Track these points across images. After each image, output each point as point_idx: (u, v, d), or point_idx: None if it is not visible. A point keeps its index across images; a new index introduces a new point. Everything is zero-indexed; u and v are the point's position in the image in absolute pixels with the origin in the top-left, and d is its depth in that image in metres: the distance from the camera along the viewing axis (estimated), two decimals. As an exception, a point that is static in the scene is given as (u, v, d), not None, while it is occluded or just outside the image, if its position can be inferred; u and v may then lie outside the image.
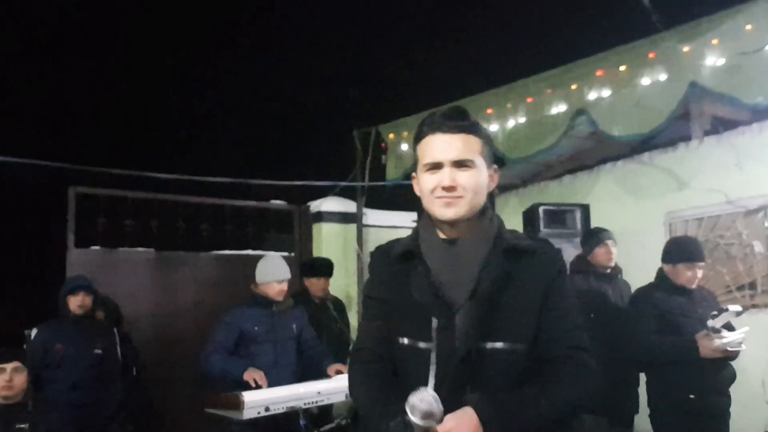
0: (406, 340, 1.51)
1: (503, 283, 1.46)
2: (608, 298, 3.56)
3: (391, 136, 5.86)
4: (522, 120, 4.82)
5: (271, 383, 3.26)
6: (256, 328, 3.57)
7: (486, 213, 1.56)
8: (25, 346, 3.92)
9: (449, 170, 1.48)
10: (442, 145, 1.49)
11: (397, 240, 1.62)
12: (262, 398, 2.96)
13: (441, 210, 1.49)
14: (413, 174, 1.61)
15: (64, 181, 4.52)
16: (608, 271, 3.65)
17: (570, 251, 4.48)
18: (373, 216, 6.27)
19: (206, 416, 3.53)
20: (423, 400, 1.32)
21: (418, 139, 1.56)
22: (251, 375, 3.23)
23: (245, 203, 5.56)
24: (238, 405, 2.82)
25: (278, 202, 5.85)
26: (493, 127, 4.98)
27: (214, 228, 5.37)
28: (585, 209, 4.83)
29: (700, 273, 3.16)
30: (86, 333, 3.87)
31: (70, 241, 4.63)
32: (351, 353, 1.66)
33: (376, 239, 6.39)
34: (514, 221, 5.09)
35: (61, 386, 3.68)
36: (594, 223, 4.81)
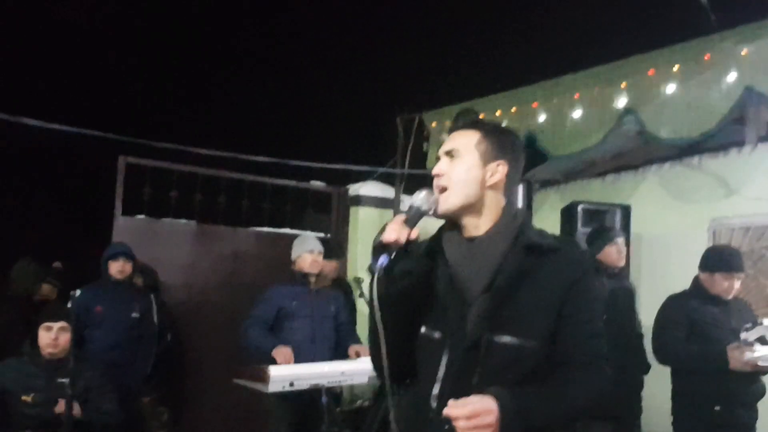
0: (423, 329, 1.55)
1: (520, 280, 1.47)
2: (618, 299, 3.50)
3: (434, 124, 5.84)
4: (568, 115, 4.72)
5: (309, 359, 3.40)
6: (294, 303, 3.71)
7: (509, 210, 1.57)
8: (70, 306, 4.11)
9: (442, 160, 1.57)
10: (449, 140, 1.59)
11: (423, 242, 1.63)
12: (287, 373, 3.06)
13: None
14: None
15: (114, 150, 4.69)
16: (617, 271, 3.58)
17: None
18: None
19: (235, 386, 3.68)
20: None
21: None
22: (279, 352, 3.35)
23: (285, 182, 5.65)
24: (265, 378, 2.93)
25: (318, 183, 5.93)
26: (538, 121, 4.91)
27: (254, 204, 5.48)
28: (626, 210, 4.74)
29: (737, 284, 3.08)
30: (125, 297, 4.07)
31: (118, 209, 4.81)
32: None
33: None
34: (553, 218, 5.03)
35: (100, 346, 3.88)
36: (635, 225, 4.71)
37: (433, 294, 1.53)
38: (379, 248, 1.45)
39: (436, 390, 1.48)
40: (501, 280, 1.46)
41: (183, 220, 5.18)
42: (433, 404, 1.47)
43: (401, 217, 1.49)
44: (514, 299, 1.46)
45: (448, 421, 1.34)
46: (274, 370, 3.00)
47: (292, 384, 3.01)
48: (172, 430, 4.53)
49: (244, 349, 3.55)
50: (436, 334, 1.52)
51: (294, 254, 3.84)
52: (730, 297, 3.06)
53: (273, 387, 2.91)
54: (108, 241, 4.68)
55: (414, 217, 1.48)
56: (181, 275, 5.03)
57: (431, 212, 1.52)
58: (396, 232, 1.45)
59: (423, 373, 1.51)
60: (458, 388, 1.41)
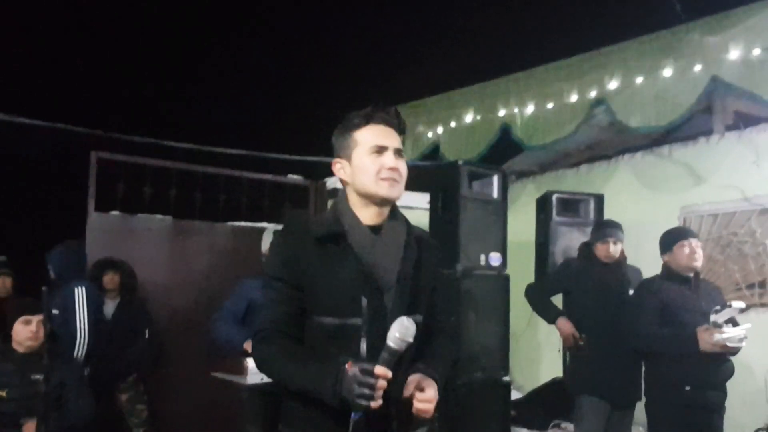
0: (330, 319, 1.62)
1: (417, 267, 1.71)
2: (609, 287, 3.57)
3: (410, 116, 5.88)
4: (541, 107, 4.80)
5: None
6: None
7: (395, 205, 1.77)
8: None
9: (393, 155, 1.67)
10: (387, 133, 1.69)
11: (305, 222, 1.70)
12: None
13: (388, 190, 1.66)
14: (336, 160, 1.75)
15: (86, 145, 4.62)
16: (610, 262, 3.66)
17: (582, 240, 4.50)
18: (388, 196, 6.32)
19: (214, 381, 3.66)
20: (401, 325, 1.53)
21: (357, 126, 1.71)
22: (249, 345, 3.33)
23: (262, 176, 5.62)
24: (242, 370, 2.93)
25: (295, 176, 5.91)
26: (512, 113, 4.97)
27: (231, 199, 5.45)
28: (599, 199, 4.82)
29: (699, 250, 3.16)
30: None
31: (91, 205, 4.73)
32: (254, 336, 1.69)
33: (390, 219, 6.44)
34: (529, 208, 5.10)
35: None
36: (608, 213, 4.79)
37: (333, 282, 1.62)
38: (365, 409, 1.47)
39: None
40: (407, 268, 1.68)
41: (158, 216, 5.12)
42: None
43: (388, 375, 1.48)
44: (414, 284, 1.68)
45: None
46: (251, 362, 3.00)
47: (270, 375, 3.01)
48: (150, 426, 4.51)
49: (214, 342, 3.51)
50: (351, 321, 1.61)
51: (264, 246, 3.79)
52: (698, 264, 3.14)
53: (251, 379, 2.92)
54: (82, 238, 4.63)
55: (392, 362, 1.51)
56: (158, 271, 4.98)
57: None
58: (381, 394, 1.47)
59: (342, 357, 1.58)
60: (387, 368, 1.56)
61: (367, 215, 1.70)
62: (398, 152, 1.69)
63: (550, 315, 3.74)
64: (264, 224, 5.65)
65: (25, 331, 2.86)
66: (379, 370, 1.46)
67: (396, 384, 1.56)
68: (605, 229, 3.64)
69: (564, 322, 3.61)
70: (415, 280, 1.69)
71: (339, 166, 1.74)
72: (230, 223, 5.50)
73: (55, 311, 3.85)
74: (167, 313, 4.92)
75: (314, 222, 1.72)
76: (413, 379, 1.60)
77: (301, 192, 5.96)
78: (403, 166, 1.69)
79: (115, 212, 4.92)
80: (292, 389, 1.61)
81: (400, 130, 1.75)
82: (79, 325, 3.85)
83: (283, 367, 1.62)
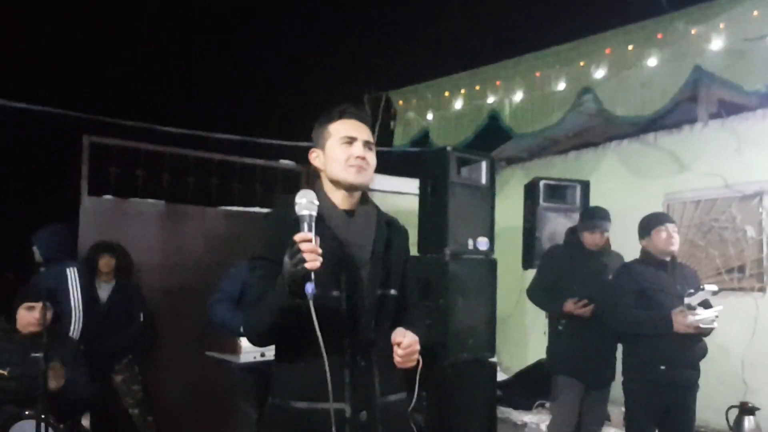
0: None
1: (388, 246, 1.90)
2: (592, 272, 3.68)
3: (401, 102, 5.94)
4: (529, 94, 4.86)
5: None
6: None
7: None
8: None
9: (361, 145, 1.85)
10: (356, 127, 1.88)
11: (287, 206, 1.78)
12: (258, 345, 3.14)
13: (355, 176, 1.83)
14: (312, 150, 1.93)
15: (78, 129, 4.65)
16: (595, 249, 3.76)
17: (567, 226, 4.60)
18: (379, 181, 6.37)
19: (207, 362, 3.75)
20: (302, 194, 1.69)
21: (330, 119, 1.90)
22: None
23: (254, 161, 5.67)
24: (236, 349, 3.01)
25: (287, 161, 5.96)
26: (500, 100, 5.04)
27: (223, 184, 5.49)
28: (585, 186, 4.91)
29: (675, 234, 3.27)
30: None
31: (84, 189, 4.77)
32: (243, 312, 1.89)
33: (381, 203, 6.44)
34: (518, 194, 5.19)
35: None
36: (594, 199, 4.89)
37: None
38: (306, 275, 1.60)
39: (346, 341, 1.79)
40: (379, 246, 1.87)
41: (151, 200, 5.15)
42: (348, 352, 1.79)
43: (307, 236, 1.61)
44: (385, 261, 1.88)
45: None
46: (245, 341, 3.09)
47: (263, 354, 3.10)
48: (146, 407, 4.60)
49: (211, 324, 3.59)
50: (334, 293, 1.78)
51: None
52: (675, 248, 3.25)
53: (245, 357, 3.00)
54: (76, 223, 4.67)
55: (311, 225, 1.65)
56: (151, 255, 5.02)
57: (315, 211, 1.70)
58: (316, 256, 1.59)
59: (317, 331, 1.66)
60: (364, 337, 1.79)
61: (340, 200, 1.86)
62: (367, 144, 1.87)
63: (558, 307, 3.73)
64: (256, 209, 5.72)
65: (29, 317, 2.95)
66: (297, 236, 1.61)
67: (378, 344, 1.79)
68: (595, 220, 3.70)
69: (567, 304, 3.65)
70: (386, 257, 1.88)
71: (315, 155, 1.92)
72: (222, 208, 5.55)
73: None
74: (160, 296, 4.98)
75: (291, 207, 1.82)
76: (394, 334, 1.78)
77: (293, 177, 6.00)
78: (371, 157, 1.87)
79: (108, 196, 4.95)
80: (269, 321, 1.72)
81: (371, 125, 1.97)
82: (73, 305, 3.96)
83: (257, 312, 1.76)
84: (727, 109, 4.60)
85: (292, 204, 1.73)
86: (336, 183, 1.86)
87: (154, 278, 5.01)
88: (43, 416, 2.59)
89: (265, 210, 5.59)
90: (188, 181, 5.29)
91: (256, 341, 1.86)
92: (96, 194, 4.86)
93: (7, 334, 2.98)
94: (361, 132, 1.87)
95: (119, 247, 4.55)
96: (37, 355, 2.69)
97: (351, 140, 1.84)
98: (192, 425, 4.97)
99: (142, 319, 4.60)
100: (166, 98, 7.23)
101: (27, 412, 2.78)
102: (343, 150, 1.84)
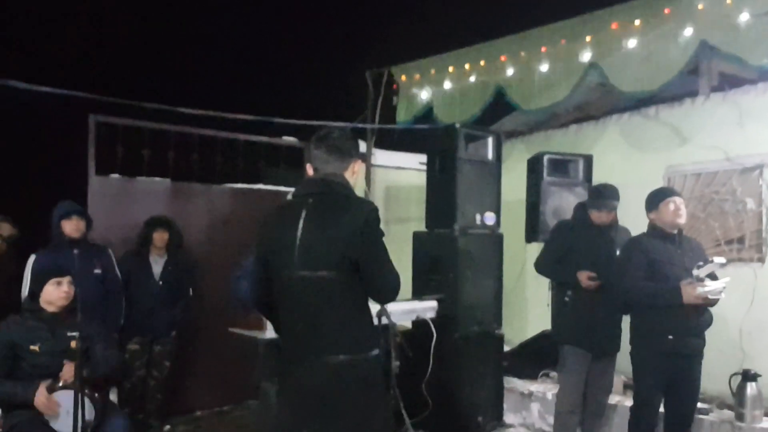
0: None
1: None
2: (599, 247, 3.77)
3: (403, 77, 5.92)
4: (536, 69, 4.87)
5: None
6: None
7: None
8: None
9: None
10: None
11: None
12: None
13: None
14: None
15: (84, 109, 4.63)
16: (602, 226, 3.84)
17: (571, 200, 4.68)
18: (381, 156, 6.41)
19: (221, 338, 3.81)
20: None
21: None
22: None
23: (258, 138, 5.67)
24: (261, 326, 3.07)
25: (290, 138, 5.97)
26: (506, 75, 5.04)
27: (227, 161, 5.51)
28: (588, 160, 4.98)
29: (683, 207, 3.35)
30: (84, 255, 4.04)
31: (91, 169, 4.78)
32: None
33: (384, 179, 6.55)
34: (519, 168, 5.24)
35: None
36: (596, 173, 4.96)
37: None
38: None
39: None
40: None
41: (157, 179, 5.17)
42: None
43: None
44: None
45: None
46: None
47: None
48: (162, 384, 4.68)
49: (234, 300, 3.64)
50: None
51: None
52: (682, 221, 3.33)
53: (270, 333, 3.06)
54: (83, 202, 4.68)
55: None
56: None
57: None
58: None
59: None
60: None
61: None
62: None
63: (569, 275, 3.79)
64: (260, 186, 5.75)
65: (58, 292, 3.01)
66: None
67: None
68: (603, 200, 3.75)
69: (581, 274, 3.73)
70: None
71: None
72: (227, 185, 5.58)
73: (97, 271, 4.00)
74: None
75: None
76: None
77: (296, 153, 6.02)
78: None
79: (115, 175, 4.96)
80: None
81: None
82: (119, 284, 4.19)
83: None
84: (729, 82, 4.64)
85: None
86: None
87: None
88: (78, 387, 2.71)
89: (270, 187, 5.67)
90: (193, 159, 5.30)
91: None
92: (103, 173, 4.88)
93: (33, 313, 3.06)
94: None
95: (172, 222, 4.62)
96: (66, 332, 2.81)
97: None
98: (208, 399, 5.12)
99: (191, 293, 4.70)
100: (169, 77, 7.16)
101: (60, 384, 2.89)
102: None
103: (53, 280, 3.03)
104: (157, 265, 4.56)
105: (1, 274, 4.67)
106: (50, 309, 3.04)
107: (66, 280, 3.02)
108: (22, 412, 2.89)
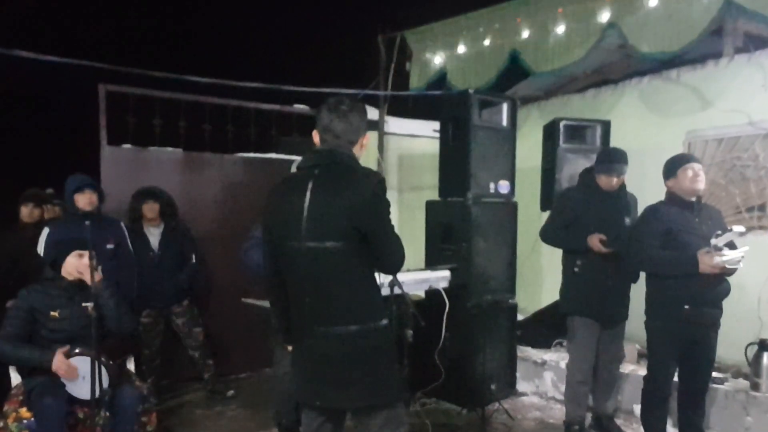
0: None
1: None
2: (608, 214, 3.69)
3: (416, 42, 5.80)
4: (551, 31, 4.72)
5: None
6: None
7: None
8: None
9: None
10: None
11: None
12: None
13: None
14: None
15: (95, 79, 4.60)
16: (610, 192, 3.75)
17: (587, 166, 4.58)
18: (394, 124, 6.33)
19: (232, 306, 3.82)
20: None
21: None
22: None
23: (269, 106, 5.62)
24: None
25: (301, 106, 5.91)
26: (521, 38, 4.90)
27: (239, 130, 5.48)
28: (606, 126, 4.86)
29: (701, 173, 3.26)
30: (97, 229, 3.96)
31: (103, 139, 4.78)
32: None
33: (397, 146, 6.48)
34: (535, 134, 5.14)
35: None
36: (614, 139, 4.84)
37: None
38: None
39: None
40: None
41: (169, 149, 5.17)
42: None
43: None
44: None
45: None
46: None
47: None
48: (207, 350, 4.76)
49: (247, 270, 3.65)
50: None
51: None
52: (701, 186, 3.24)
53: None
54: (96, 172, 4.70)
55: None
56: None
57: None
58: None
59: None
60: None
61: None
62: None
63: (578, 242, 3.73)
64: (272, 155, 5.72)
65: (80, 264, 3.07)
66: None
67: None
68: (612, 164, 3.66)
69: (592, 238, 3.67)
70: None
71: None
72: (239, 155, 5.56)
73: (110, 246, 4.04)
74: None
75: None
76: None
77: (308, 121, 5.97)
78: None
79: (127, 145, 4.96)
80: None
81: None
82: (131, 257, 4.21)
83: None
84: (755, 43, 4.46)
85: None
86: None
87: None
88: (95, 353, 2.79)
89: (281, 156, 5.63)
90: (204, 128, 5.28)
91: None
92: (115, 143, 4.88)
93: (53, 281, 3.13)
94: None
95: (162, 192, 4.61)
96: (82, 301, 2.89)
97: None
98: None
99: (194, 260, 4.72)
100: (180, 46, 7.09)
101: (77, 350, 2.97)
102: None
103: (76, 252, 3.09)
104: (153, 236, 4.56)
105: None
106: (69, 278, 3.11)
107: (87, 253, 3.06)
108: (40, 377, 2.97)
